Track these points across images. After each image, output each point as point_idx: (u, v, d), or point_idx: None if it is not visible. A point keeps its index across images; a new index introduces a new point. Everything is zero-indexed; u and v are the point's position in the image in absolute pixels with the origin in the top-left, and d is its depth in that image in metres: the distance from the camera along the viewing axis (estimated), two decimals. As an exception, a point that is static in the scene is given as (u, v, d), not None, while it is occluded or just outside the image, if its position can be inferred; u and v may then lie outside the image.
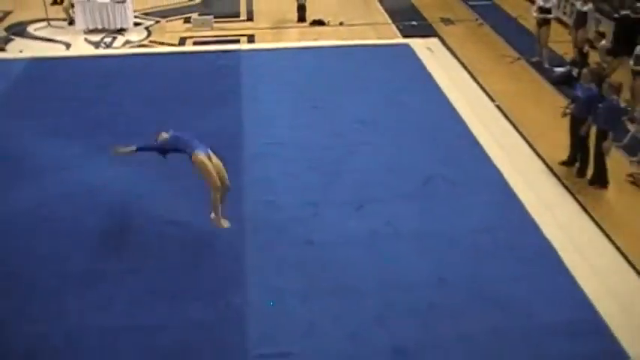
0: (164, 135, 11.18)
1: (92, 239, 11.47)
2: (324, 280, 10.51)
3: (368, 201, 12.48)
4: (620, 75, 15.80)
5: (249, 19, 23.37)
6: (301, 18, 22.73)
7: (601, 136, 13.02)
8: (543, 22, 18.90)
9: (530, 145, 14.61)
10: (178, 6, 24.53)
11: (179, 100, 16.37)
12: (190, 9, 24.10)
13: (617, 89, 13.16)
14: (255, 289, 10.36)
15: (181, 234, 11.54)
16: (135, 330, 9.61)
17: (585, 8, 18.63)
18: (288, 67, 18.54)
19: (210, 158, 11.05)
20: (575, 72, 16.99)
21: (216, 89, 16.95)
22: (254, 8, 24.22)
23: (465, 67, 18.76)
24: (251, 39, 21.27)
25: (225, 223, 11.43)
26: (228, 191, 11.49)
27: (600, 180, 13.22)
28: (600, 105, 12.98)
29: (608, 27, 19.14)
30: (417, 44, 20.21)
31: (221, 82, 17.42)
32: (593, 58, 17.39)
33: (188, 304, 10.06)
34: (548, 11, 18.86)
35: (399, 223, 11.85)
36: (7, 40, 20.78)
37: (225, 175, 11.32)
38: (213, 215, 11.34)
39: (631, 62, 15.83)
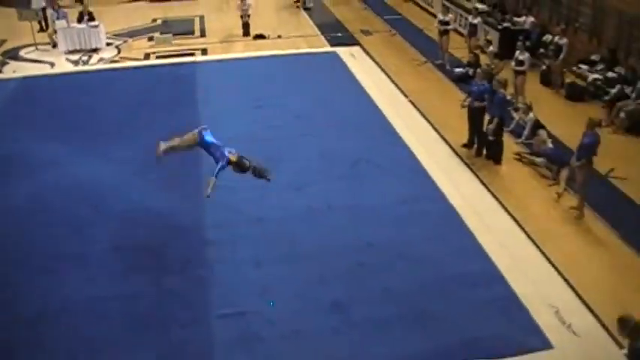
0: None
1: (79, 225, 11.28)
2: (273, 250, 10.50)
3: (306, 183, 12.46)
4: (505, 74, 16.01)
5: (202, 35, 23.06)
6: (246, 33, 22.51)
7: (477, 114, 13.41)
8: (444, 33, 19.05)
9: (438, 132, 14.74)
10: (143, 27, 24.05)
11: (146, 105, 16.17)
12: (153, 29, 23.66)
13: (504, 85, 13.40)
14: (215, 260, 10.32)
15: (152, 218, 11.43)
16: (118, 299, 9.53)
17: (475, 21, 19.02)
18: (235, 74, 18.30)
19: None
20: (470, 72, 17.17)
21: (176, 95, 16.73)
22: (206, 27, 23.91)
23: (383, 70, 18.76)
24: (204, 52, 21.02)
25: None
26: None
27: (496, 157, 13.45)
28: (474, 88, 13.30)
29: (494, 36, 19.44)
30: (343, 52, 20.11)
31: (180, 88, 17.19)
32: (484, 60, 17.61)
33: (160, 276, 10.00)
34: (447, 23, 19.05)
35: (333, 200, 11.87)
36: (3, 64, 20.25)
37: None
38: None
39: (512, 64, 16.05)
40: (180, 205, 11.72)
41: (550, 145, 13.58)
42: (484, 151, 13.61)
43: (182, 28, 23.64)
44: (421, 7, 26.02)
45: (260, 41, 22.11)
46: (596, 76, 16.86)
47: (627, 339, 7.26)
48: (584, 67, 17.55)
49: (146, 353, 8.61)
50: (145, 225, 11.27)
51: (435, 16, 23.44)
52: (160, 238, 10.92)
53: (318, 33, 23.02)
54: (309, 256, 10.35)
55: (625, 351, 8.37)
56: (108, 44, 21.84)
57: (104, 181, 12.65)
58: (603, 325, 8.98)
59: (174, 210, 11.50)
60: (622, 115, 14.86)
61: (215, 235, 10.94)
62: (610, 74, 16.62)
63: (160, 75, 18.58)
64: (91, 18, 21.55)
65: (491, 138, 13.27)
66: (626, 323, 7.16)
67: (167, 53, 20.96)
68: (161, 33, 22.65)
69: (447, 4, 22.23)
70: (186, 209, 11.62)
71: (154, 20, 24.91)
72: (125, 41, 22.41)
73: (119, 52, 21.40)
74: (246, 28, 22.51)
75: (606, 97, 16.01)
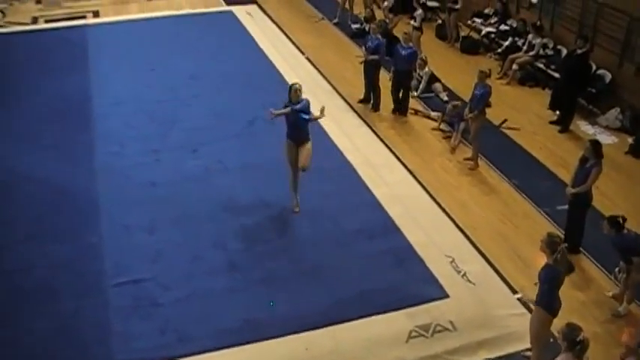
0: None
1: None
2: (167, 213, 10.24)
3: (201, 144, 12.19)
4: (402, 28, 16.02)
5: (95, -4, 22.13)
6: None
7: (405, 77, 13.35)
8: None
9: (334, 87, 14.66)
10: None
11: (32, 71, 15.45)
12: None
13: (410, 38, 13.46)
14: (108, 227, 10.00)
15: (42, 187, 10.98)
16: (6, 273, 9.13)
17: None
18: (128, 36, 17.68)
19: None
20: (367, 27, 17.04)
21: (66, 60, 16.01)
22: (98, -13, 22.97)
23: (280, 28, 18.45)
24: (96, 14, 20.12)
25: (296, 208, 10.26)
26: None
27: (404, 110, 13.55)
28: (402, 52, 13.14)
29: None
30: (239, 10, 19.66)
31: (70, 53, 16.44)
32: (380, 16, 17.53)
33: (51, 247, 9.61)
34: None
35: (228, 160, 11.67)
36: None
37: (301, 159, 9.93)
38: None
39: (412, 22, 16.02)
40: (70, 173, 11.31)
41: (445, 97, 13.71)
42: (376, 104, 13.69)
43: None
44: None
45: (155, 2, 21.31)
46: (489, 29, 17.10)
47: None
48: (478, 20, 17.76)
49: (40, 324, 8.27)
50: (33, 194, 10.81)
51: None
52: (49, 207, 10.52)
53: (215, -9, 22.42)
54: (204, 218, 10.14)
55: (518, 295, 8.63)
56: (-9, 8, 20.68)
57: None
58: (497, 272, 9.16)
59: (63, 178, 11.08)
60: (514, 66, 15.12)
61: (106, 202, 10.56)
62: (502, 27, 16.86)
63: (48, 39, 17.75)
64: (-29, -21, 20.34)
65: (414, 94, 13.67)
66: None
67: (56, 16, 19.91)
68: (50, -6, 21.58)
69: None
70: (75, 176, 11.22)
71: (43, -19, 23.69)
72: (11, 4, 21.22)
73: (4, 15, 20.21)
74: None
75: (499, 50, 16.30)
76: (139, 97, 13.91)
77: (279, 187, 10.79)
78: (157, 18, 19.30)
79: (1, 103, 13.84)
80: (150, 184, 10.99)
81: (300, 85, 10.02)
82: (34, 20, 19.78)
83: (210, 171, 11.36)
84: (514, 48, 15.73)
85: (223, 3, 20.90)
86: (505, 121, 13.23)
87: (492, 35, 16.87)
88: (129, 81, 14.75)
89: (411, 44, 13.48)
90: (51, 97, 13.96)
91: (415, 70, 14.07)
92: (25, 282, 8.95)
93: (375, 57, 13.27)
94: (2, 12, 20.30)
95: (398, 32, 15.14)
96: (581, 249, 9.61)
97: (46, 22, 19.61)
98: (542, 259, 7.29)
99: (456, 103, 12.94)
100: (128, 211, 10.34)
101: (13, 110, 13.56)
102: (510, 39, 16.05)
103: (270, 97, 13.70)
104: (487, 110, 11.72)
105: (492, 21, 17.31)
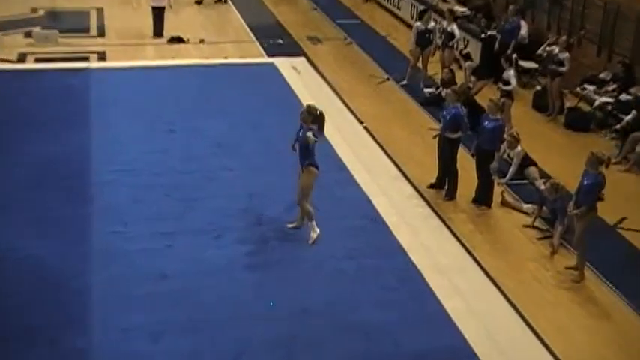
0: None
1: None
2: (177, 316, 10.29)
3: (227, 229, 12.38)
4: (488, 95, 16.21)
5: (101, 34, 22.86)
6: (158, 34, 22.34)
7: (486, 158, 13.43)
8: (424, 45, 19.20)
9: (399, 168, 14.87)
10: (18, 18, 23.62)
11: (19, 123, 15.90)
12: (32, 22, 23.26)
13: (501, 108, 13.66)
14: (100, 329, 10.03)
15: (20, 271, 11.16)
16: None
17: (450, 28, 19.01)
18: (143, 87, 18.29)
19: None
20: (444, 92, 17.31)
21: (63, 111, 16.56)
22: (106, 23, 23.68)
23: (333, 88, 18.86)
24: (102, 56, 20.81)
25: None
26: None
27: (486, 200, 13.63)
28: (486, 124, 13.34)
29: (475, 47, 19.61)
30: (283, 64, 20.27)
31: (68, 103, 17.02)
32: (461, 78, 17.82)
33: (30, 351, 9.65)
34: (429, 33, 19.19)
35: (260, 252, 11.83)
36: None
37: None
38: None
39: (501, 86, 16.35)
40: (58, 255, 11.50)
41: (542, 186, 13.77)
42: (451, 190, 13.82)
43: (73, 24, 23.36)
44: (386, 9, 26.25)
45: (177, 46, 22.05)
46: (605, 99, 17.17)
47: None
48: (590, 87, 17.87)
49: None
50: (8, 279, 10.99)
51: (403, 20, 23.74)
52: (26, 296, 10.64)
53: (253, 38, 23.10)
54: (224, 324, 10.20)
55: None
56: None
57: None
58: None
59: (48, 260, 11.29)
60: (638, 149, 15.08)
61: (101, 296, 10.66)
62: (623, 97, 16.90)
63: (39, 85, 18.45)
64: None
65: (501, 181, 13.92)
66: None
67: (51, 56, 20.63)
68: (43, 28, 22.33)
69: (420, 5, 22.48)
70: (64, 260, 11.40)
71: (34, 10, 24.64)
72: (-6, 36, 22.04)
73: (-18, 50, 21.01)
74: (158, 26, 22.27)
75: (617, 126, 16.31)
76: (152, 165, 14.25)
77: (324, 292, 10.91)
78: (180, 66, 19.91)
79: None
80: (158, 276, 11.12)
81: (305, 109, 12.62)
82: (22, 58, 20.45)
83: (235, 264, 11.49)
84: (638, 124, 15.76)
85: (264, 53, 21.47)
86: (623, 219, 13.23)
87: (609, 107, 16.97)
88: (141, 143, 15.12)
89: (498, 116, 13.65)
90: (40, 158, 14.33)
91: (499, 150, 14.11)
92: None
93: (456, 136, 13.50)
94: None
95: (483, 99, 15.33)
96: None
97: (37, 61, 20.30)
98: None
99: (557, 182, 12.97)
100: (128, 309, 10.42)
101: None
102: (634, 112, 16.03)
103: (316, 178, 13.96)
104: (599, 205, 11.74)
105: (610, 88, 17.45)
